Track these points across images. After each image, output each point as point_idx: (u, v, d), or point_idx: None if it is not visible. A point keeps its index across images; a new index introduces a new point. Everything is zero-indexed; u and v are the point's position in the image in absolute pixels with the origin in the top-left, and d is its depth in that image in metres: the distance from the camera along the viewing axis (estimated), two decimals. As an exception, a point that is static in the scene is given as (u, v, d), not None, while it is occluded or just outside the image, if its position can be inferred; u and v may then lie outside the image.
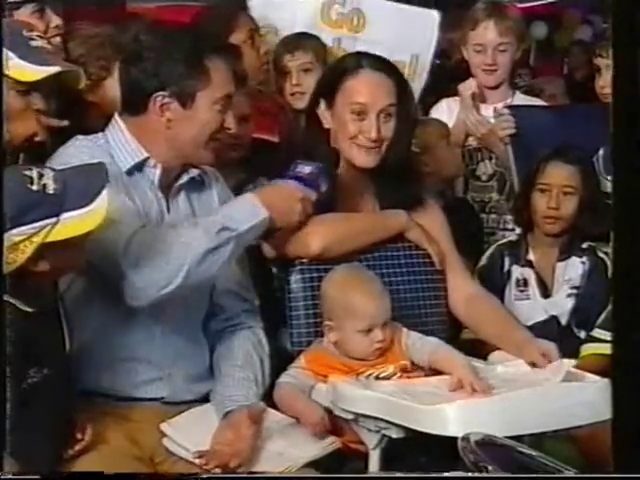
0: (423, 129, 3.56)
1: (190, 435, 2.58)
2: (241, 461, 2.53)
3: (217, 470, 2.50)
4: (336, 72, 2.98)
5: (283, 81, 3.91)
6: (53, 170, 2.26)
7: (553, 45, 8.93)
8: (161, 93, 2.63)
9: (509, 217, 3.77)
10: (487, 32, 3.81)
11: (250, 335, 2.82)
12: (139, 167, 2.68)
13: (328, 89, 2.95)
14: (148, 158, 2.67)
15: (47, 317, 2.37)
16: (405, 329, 2.80)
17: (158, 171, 2.68)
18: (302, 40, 3.95)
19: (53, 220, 2.18)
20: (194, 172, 2.76)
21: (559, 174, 3.32)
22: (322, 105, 2.95)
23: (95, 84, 3.17)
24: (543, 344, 2.76)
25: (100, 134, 2.74)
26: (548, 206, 3.31)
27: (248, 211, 2.63)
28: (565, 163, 3.33)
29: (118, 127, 2.71)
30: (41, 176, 2.20)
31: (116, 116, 2.73)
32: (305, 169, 2.74)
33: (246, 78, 3.52)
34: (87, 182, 2.26)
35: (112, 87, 3.10)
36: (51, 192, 2.19)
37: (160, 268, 2.50)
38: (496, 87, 3.89)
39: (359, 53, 3.15)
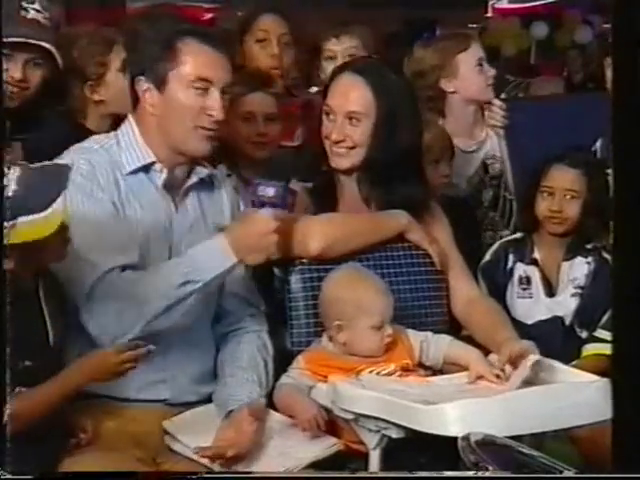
0: None
1: (192, 433, 2.59)
2: (241, 456, 2.52)
3: (217, 465, 2.50)
4: (330, 75, 3.01)
5: (327, 65, 3.84)
6: (21, 167, 2.25)
7: (553, 45, 8.94)
8: (140, 77, 2.65)
9: (505, 233, 3.76)
10: (481, 47, 3.78)
11: (255, 338, 2.81)
12: (145, 169, 2.69)
13: (325, 90, 2.98)
14: (154, 162, 2.68)
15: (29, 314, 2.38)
16: (410, 330, 2.81)
17: (164, 175, 2.69)
18: (349, 25, 3.93)
19: (10, 223, 2.17)
20: (203, 173, 2.75)
21: (563, 177, 3.32)
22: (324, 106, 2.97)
23: (97, 83, 3.18)
24: (521, 344, 2.70)
25: (112, 134, 2.76)
26: (551, 209, 3.31)
27: (216, 259, 2.58)
28: (569, 167, 3.32)
29: (130, 128, 2.72)
30: (3, 175, 2.18)
31: (129, 116, 2.75)
32: (268, 191, 2.61)
33: (273, 79, 3.53)
34: (47, 186, 2.26)
35: (114, 82, 3.11)
36: (10, 195, 2.18)
37: (116, 320, 2.51)
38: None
39: (356, 58, 3.13)
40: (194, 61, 2.63)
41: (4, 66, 2.87)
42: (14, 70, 2.89)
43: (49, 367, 2.40)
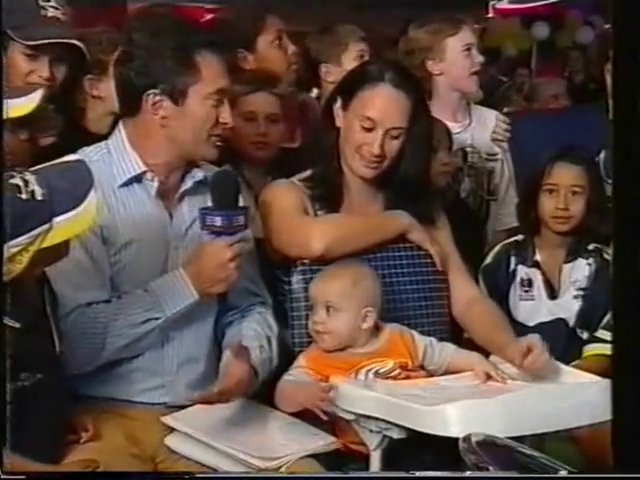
0: None
1: (194, 423, 2.58)
2: (230, 394, 2.54)
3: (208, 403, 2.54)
4: (358, 77, 2.96)
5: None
6: (35, 173, 2.23)
7: (554, 46, 8.93)
8: (152, 91, 2.63)
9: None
10: (472, 34, 3.78)
11: (258, 317, 2.82)
12: (137, 180, 2.69)
13: (347, 91, 2.94)
14: (146, 171, 2.68)
15: (36, 326, 2.36)
16: (415, 332, 2.82)
17: (155, 184, 2.69)
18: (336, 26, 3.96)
19: (46, 226, 2.17)
20: (199, 175, 2.75)
21: (566, 174, 3.31)
22: (338, 103, 2.94)
23: (97, 78, 3.18)
24: (524, 341, 2.73)
25: (103, 143, 2.75)
26: (557, 207, 3.29)
27: (178, 295, 2.61)
28: (571, 163, 3.32)
29: (120, 136, 2.72)
30: (26, 183, 2.17)
31: (119, 124, 2.74)
32: (215, 221, 2.58)
33: (278, 79, 3.52)
34: (73, 183, 2.25)
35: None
36: (40, 198, 2.17)
37: (81, 351, 2.54)
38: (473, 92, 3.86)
39: (385, 64, 3.11)
40: (213, 75, 2.65)
41: (31, 66, 2.90)
42: (42, 70, 2.91)
43: (57, 379, 2.39)
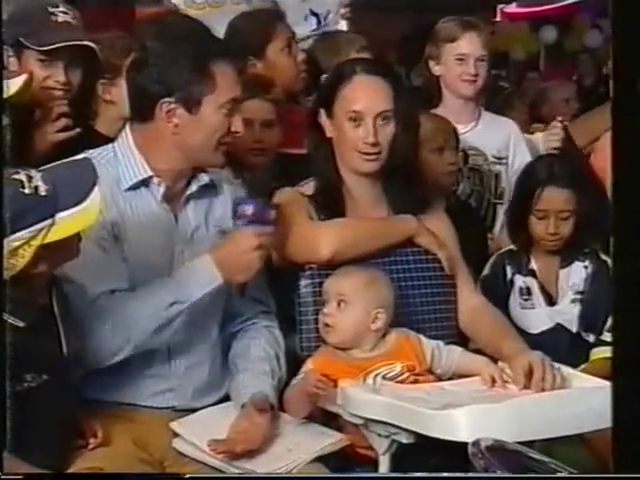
0: None
1: (200, 433, 2.59)
2: (250, 447, 2.53)
3: (228, 459, 2.51)
4: (332, 80, 2.98)
5: None
6: (39, 171, 2.25)
7: (562, 49, 8.93)
8: (167, 99, 2.62)
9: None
10: (471, 43, 3.78)
11: (266, 332, 2.83)
12: (143, 184, 2.69)
13: (326, 98, 2.95)
14: (152, 177, 2.68)
15: (41, 328, 2.36)
16: (422, 337, 2.82)
17: (162, 189, 2.69)
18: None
19: (49, 222, 2.19)
20: (204, 179, 2.75)
21: (555, 200, 3.28)
22: (323, 115, 2.94)
23: (110, 82, 3.19)
24: (525, 359, 2.65)
25: (110, 146, 2.75)
26: (547, 232, 3.29)
27: (203, 279, 2.61)
28: (560, 188, 3.30)
29: (126, 140, 2.72)
30: (30, 179, 2.19)
31: (127, 128, 2.74)
32: (247, 209, 2.62)
33: (271, 85, 3.53)
34: (77, 180, 2.26)
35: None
36: (43, 194, 2.19)
37: (108, 341, 2.54)
38: (471, 99, 3.87)
39: (353, 59, 3.11)
40: (227, 85, 2.65)
41: (46, 72, 2.93)
42: (57, 74, 2.94)
43: (63, 380, 2.39)
